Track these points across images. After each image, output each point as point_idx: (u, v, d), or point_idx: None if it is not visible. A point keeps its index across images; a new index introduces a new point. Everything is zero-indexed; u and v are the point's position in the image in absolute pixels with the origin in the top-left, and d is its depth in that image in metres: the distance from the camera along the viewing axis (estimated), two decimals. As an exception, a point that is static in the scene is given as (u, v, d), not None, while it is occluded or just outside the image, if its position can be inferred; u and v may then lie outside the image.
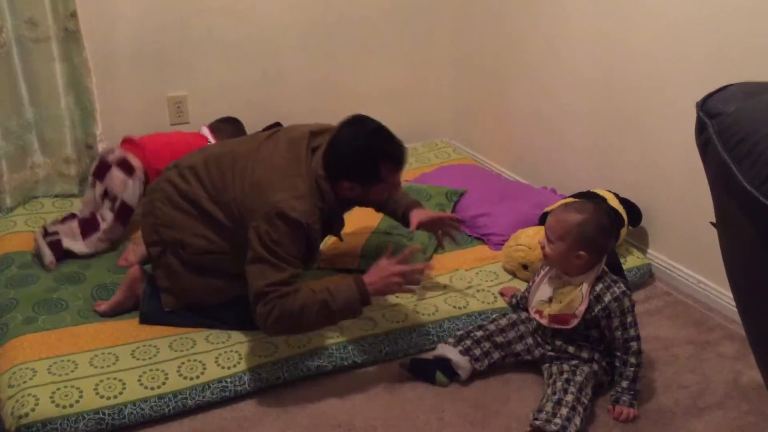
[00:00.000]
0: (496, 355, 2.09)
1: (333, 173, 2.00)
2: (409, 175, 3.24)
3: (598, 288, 1.97)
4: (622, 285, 1.98)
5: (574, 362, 2.01)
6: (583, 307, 1.96)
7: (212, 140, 2.81)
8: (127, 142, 2.69)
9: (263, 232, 1.91)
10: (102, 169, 2.57)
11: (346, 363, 2.12)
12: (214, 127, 2.94)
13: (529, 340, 2.10)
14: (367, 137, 1.98)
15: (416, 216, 2.28)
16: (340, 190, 2.02)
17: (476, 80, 3.54)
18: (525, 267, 2.49)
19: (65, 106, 2.83)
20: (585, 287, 1.97)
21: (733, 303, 2.41)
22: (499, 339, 2.09)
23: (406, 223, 2.33)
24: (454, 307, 2.34)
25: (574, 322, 1.98)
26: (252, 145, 2.09)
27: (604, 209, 2.07)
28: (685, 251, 2.57)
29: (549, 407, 1.86)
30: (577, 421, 1.84)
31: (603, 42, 2.73)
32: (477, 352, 2.07)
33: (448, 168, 3.29)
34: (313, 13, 3.26)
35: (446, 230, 2.39)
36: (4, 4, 2.62)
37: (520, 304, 2.29)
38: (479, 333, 2.10)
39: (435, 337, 2.24)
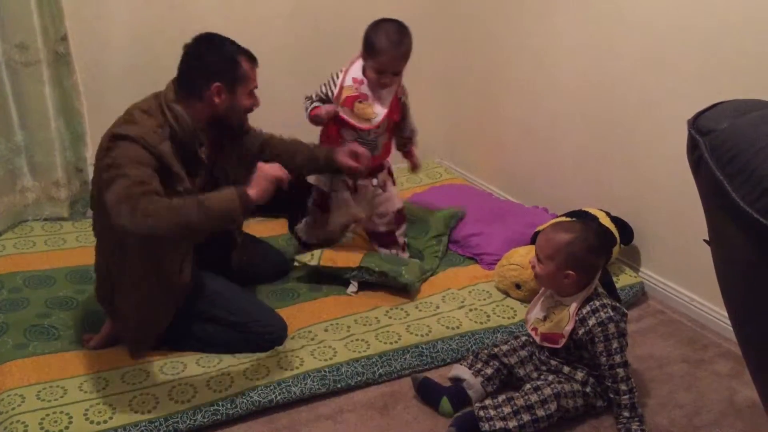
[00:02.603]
0: (504, 374, 2.09)
1: (194, 86, 1.97)
2: (401, 195, 3.24)
3: (584, 310, 1.96)
4: (610, 311, 1.94)
5: (560, 378, 2.00)
6: (569, 327, 1.96)
7: None
8: None
9: (102, 163, 1.83)
10: None
11: (339, 385, 2.10)
12: None
13: (529, 367, 2.08)
14: (220, 42, 2.04)
15: (342, 154, 2.36)
16: (207, 102, 1.99)
17: (466, 100, 3.56)
18: (518, 286, 2.49)
19: (55, 129, 2.82)
20: (573, 307, 1.98)
21: (727, 321, 2.42)
22: (505, 361, 2.08)
23: (331, 168, 2.40)
24: (447, 327, 2.32)
25: (562, 342, 1.98)
26: None
27: (592, 228, 2.08)
28: (678, 269, 2.58)
29: (498, 400, 1.91)
30: (512, 424, 1.87)
31: (592, 60, 2.75)
32: (488, 371, 2.06)
33: (439, 188, 3.29)
34: (304, 34, 3.28)
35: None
36: (-6, 29, 2.62)
37: None
38: (485, 352, 2.10)
39: (428, 357, 2.22)
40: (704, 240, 1.01)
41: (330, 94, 2.41)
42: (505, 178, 3.42)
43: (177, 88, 2.02)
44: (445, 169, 3.60)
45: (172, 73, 3.05)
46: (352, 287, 2.53)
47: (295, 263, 2.59)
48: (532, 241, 2.67)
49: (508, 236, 2.77)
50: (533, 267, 2.03)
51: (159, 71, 3.02)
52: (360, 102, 2.34)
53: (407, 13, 3.49)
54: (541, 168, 3.16)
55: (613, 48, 2.65)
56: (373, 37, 2.29)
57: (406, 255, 2.68)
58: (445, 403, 2.02)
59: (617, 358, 1.92)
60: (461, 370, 2.08)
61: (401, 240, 2.68)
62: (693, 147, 0.91)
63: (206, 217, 1.81)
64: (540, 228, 2.69)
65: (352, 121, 2.36)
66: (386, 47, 2.27)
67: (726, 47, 2.22)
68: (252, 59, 2.09)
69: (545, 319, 2.05)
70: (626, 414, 1.92)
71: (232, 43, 2.08)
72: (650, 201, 2.63)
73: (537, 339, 2.06)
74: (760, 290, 0.88)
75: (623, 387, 1.92)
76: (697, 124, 0.92)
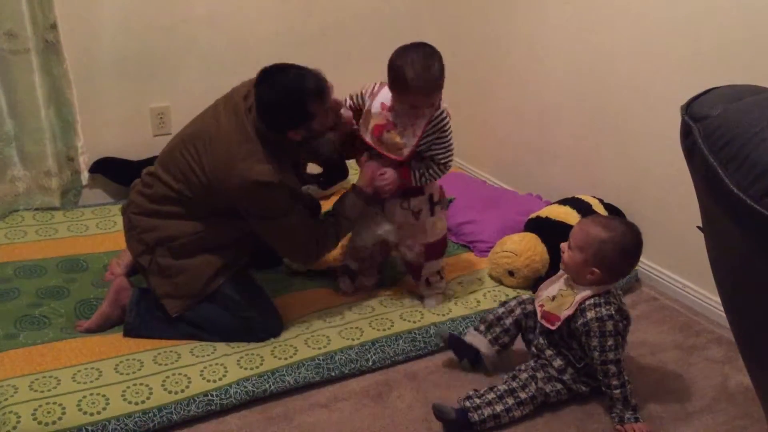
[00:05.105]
0: (513, 332, 2.12)
1: (274, 129, 2.07)
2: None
3: (588, 302, 1.94)
4: (612, 309, 1.92)
5: (536, 365, 2.02)
6: (567, 312, 1.96)
7: None
8: None
9: (250, 205, 2.07)
10: None
11: (333, 374, 2.10)
12: None
13: (532, 336, 2.10)
14: (281, 91, 2.02)
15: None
16: (288, 138, 2.10)
17: (458, 88, 3.54)
18: (511, 273, 2.49)
19: (46, 118, 2.79)
20: (579, 297, 1.96)
21: (720, 307, 2.43)
22: (523, 323, 2.11)
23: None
24: (438, 314, 2.34)
25: (556, 325, 1.98)
26: (201, 124, 2.18)
27: (633, 233, 1.94)
28: (671, 256, 2.58)
29: (481, 390, 1.95)
30: (499, 408, 1.91)
31: (585, 48, 2.74)
32: (505, 339, 2.11)
33: (433, 176, 3.28)
34: (295, 22, 3.25)
35: None
36: (-19, 17, 2.59)
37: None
38: (509, 320, 2.11)
39: (421, 343, 2.23)
40: (697, 227, 1.00)
41: (360, 104, 2.22)
42: (498, 166, 3.42)
43: (263, 123, 2.06)
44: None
45: (163, 60, 3.05)
46: (344, 285, 2.45)
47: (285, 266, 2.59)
48: (526, 229, 2.67)
49: (501, 224, 2.77)
50: (562, 252, 2.00)
51: (149, 59, 3.02)
52: (388, 132, 2.12)
53: (401, 4, 3.48)
54: (534, 155, 3.15)
55: (605, 36, 2.64)
56: (396, 68, 2.03)
57: (435, 293, 2.41)
58: (466, 364, 2.16)
59: (610, 356, 1.90)
60: (477, 340, 2.12)
61: (430, 278, 2.39)
62: (686, 133, 0.91)
63: (350, 228, 2.29)
64: (533, 215, 2.69)
65: (382, 150, 2.15)
66: (411, 83, 2.00)
67: (718, 33, 2.21)
68: (319, 94, 2.04)
69: (553, 299, 2.04)
70: (620, 406, 1.92)
71: (297, 81, 2.02)
72: (643, 188, 2.63)
73: (538, 315, 2.05)
74: (753, 277, 0.87)
75: (614, 382, 1.91)
76: (691, 110, 0.92)
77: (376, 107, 2.16)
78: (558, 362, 2.00)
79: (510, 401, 1.92)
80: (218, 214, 2.14)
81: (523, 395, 1.94)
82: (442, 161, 2.19)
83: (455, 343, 2.15)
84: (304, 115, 2.04)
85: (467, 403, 1.91)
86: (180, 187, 2.12)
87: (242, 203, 2.07)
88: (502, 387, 1.95)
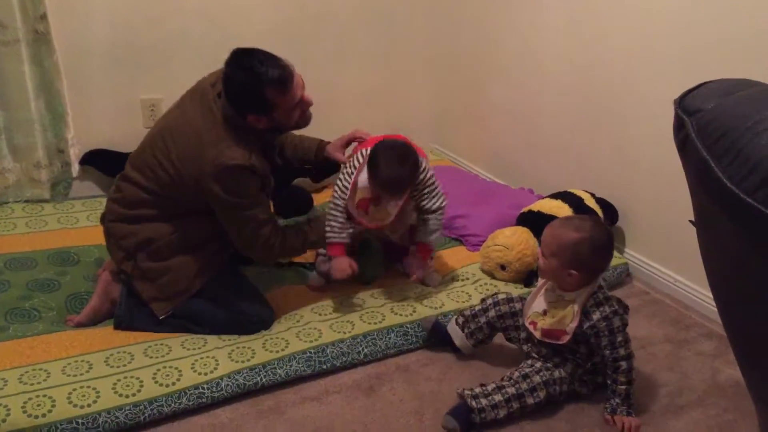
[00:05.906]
0: (494, 335, 2.15)
1: (234, 110, 2.05)
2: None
3: (588, 304, 1.92)
4: (614, 304, 1.92)
5: (548, 365, 1.99)
6: (574, 325, 1.92)
7: None
8: None
9: (219, 191, 2.02)
10: None
11: (325, 367, 2.10)
12: None
13: (523, 334, 2.08)
14: (244, 73, 2.00)
15: (333, 148, 2.42)
16: (251, 123, 2.07)
17: (453, 82, 3.54)
18: (503, 267, 2.49)
19: (36, 109, 2.78)
20: (577, 305, 1.93)
21: (710, 301, 2.44)
22: (498, 324, 2.11)
23: (322, 162, 2.44)
24: (431, 307, 2.33)
25: (566, 339, 1.94)
26: (168, 120, 2.16)
27: (603, 228, 1.95)
28: (662, 250, 2.59)
29: (488, 388, 1.92)
30: (503, 413, 1.89)
31: (578, 42, 2.74)
32: (480, 336, 2.13)
33: (425, 169, 3.28)
34: (289, 15, 3.24)
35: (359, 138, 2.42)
36: (-29, 7, 2.57)
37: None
38: (483, 319, 2.12)
39: (413, 337, 2.23)
40: (690, 221, 1.00)
41: (345, 194, 2.24)
42: (491, 160, 3.42)
43: (228, 103, 2.06)
44: (432, 151, 3.59)
45: (155, 51, 3.03)
46: (315, 279, 2.47)
47: None
48: (518, 223, 2.67)
49: (493, 217, 2.77)
50: (538, 259, 1.98)
51: (141, 50, 3.00)
52: (375, 205, 2.21)
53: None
54: (527, 150, 3.15)
55: (598, 30, 2.64)
56: (373, 161, 2.14)
57: (430, 271, 2.49)
58: (448, 350, 2.21)
59: (621, 352, 1.90)
60: (455, 334, 2.16)
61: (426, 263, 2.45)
62: (679, 127, 0.91)
63: (319, 245, 2.32)
64: (526, 209, 2.69)
65: (365, 221, 2.26)
66: (380, 183, 2.14)
67: (712, 28, 2.22)
68: (281, 84, 2.01)
69: (545, 313, 2.00)
70: (617, 400, 1.92)
71: (261, 65, 1.98)
72: (635, 182, 2.64)
73: (536, 334, 2.00)
74: (745, 270, 0.87)
75: (622, 378, 1.91)
76: (684, 104, 0.91)
77: (362, 181, 2.21)
78: (568, 366, 1.99)
79: (515, 405, 1.90)
80: (191, 212, 2.13)
81: (530, 401, 1.91)
82: (435, 209, 2.29)
83: (437, 332, 2.21)
84: (264, 102, 2.01)
85: (473, 403, 1.88)
86: (150, 185, 2.11)
87: (212, 191, 2.02)
88: (511, 390, 1.91)
